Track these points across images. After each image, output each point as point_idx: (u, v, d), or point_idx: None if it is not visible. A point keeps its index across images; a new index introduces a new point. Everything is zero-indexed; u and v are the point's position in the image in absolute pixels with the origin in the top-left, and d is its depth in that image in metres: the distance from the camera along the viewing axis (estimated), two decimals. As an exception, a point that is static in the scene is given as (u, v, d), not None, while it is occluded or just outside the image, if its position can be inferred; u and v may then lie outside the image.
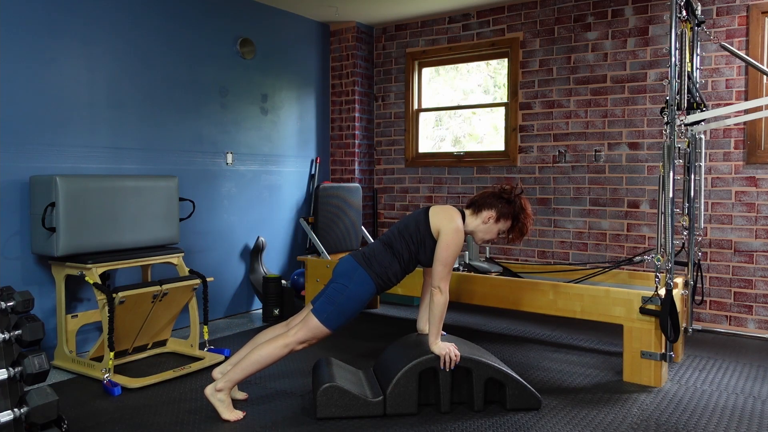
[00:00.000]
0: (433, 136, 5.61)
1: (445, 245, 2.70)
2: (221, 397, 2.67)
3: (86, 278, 3.15)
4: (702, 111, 3.35)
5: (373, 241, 5.20)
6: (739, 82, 4.08)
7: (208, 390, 2.70)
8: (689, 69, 3.35)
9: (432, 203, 5.40)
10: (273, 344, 2.65)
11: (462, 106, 5.40)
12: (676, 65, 3.05)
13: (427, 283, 3.04)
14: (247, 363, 2.65)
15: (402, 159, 5.61)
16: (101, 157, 3.82)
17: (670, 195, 3.00)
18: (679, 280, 3.41)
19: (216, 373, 2.83)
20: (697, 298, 4.06)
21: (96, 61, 3.79)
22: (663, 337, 3.02)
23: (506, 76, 5.08)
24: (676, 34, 3.03)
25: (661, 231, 3.05)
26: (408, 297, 5.06)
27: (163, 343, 3.71)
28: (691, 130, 3.35)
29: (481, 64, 5.32)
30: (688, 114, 3.35)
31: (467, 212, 2.89)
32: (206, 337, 3.61)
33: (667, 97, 3.06)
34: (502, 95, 5.18)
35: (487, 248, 4.31)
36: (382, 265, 2.76)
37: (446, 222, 2.74)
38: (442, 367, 2.69)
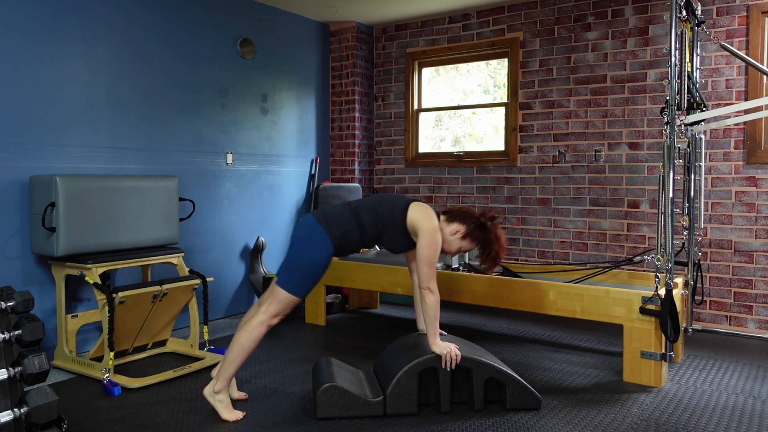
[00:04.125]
0: (433, 136, 5.61)
1: (427, 244, 2.67)
2: (220, 397, 2.67)
3: (86, 278, 3.15)
4: (702, 111, 3.35)
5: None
6: (739, 82, 4.08)
7: (207, 391, 2.70)
8: (689, 69, 3.35)
9: (432, 203, 5.39)
10: (249, 327, 2.65)
11: (462, 106, 5.40)
12: (676, 65, 3.05)
13: (415, 282, 3.03)
14: (233, 354, 2.65)
15: (402, 159, 5.61)
16: (101, 157, 3.82)
17: (670, 195, 3.00)
18: (679, 280, 3.41)
19: (215, 372, 2.83)
20: (697, 298, 4.06)
21: (96, 61, 3.79)
22: (663, 337, 3.02)
23: (506, 76, 5.08)
24: (676, 34, 3.03)
25: (661, 231, 3.05)
26: (408, 297, 5.05)
27: (163, 343, 3.71)
28: (691, 130, 3.35)
29: (481, 64, 5.32)
30: (688, 114, 3.35)
31: (441, 218, 2.85)
32: (206, 337, 3.61)
33: (667, 97, 3.06)
34: (502, 95, 5.18)
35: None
36: (344, 227, 2.70)
37: (425, 221, 2.70)
38: (443, 367, 2.69)
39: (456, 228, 2.81)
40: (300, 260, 2.65)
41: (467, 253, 3.97)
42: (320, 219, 2.71)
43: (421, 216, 2.72)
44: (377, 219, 2.75)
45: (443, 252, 2.84)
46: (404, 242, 2.79)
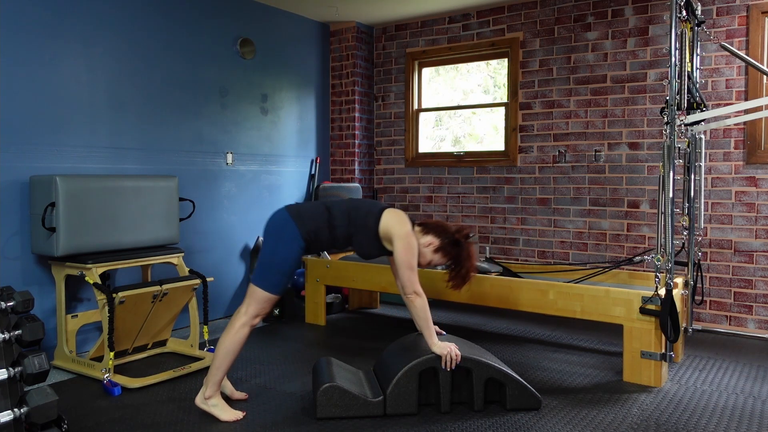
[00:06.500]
0: (433, 136, 5.61)
1: (404, 249, 2.67)
2: (213, 402, 2.67)
3: (86, 278, 3.15)
4: (702, 111, 3.35)
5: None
6: (739, 82, 4.08)
7: (198, 399, 2.71)
8: (689, 69, 3.35)
9: (431, 203, 5.40)
10: (231, 330, 2.66)
11: (462, 106, 5.40)
12: (676, 65, 3.05)
13: (401, 288, 2.91)
14: (219, 359, 2.66)
15: (402, 159, 5.61)
16: (101, 157, 3.82)
17: (670, 195, 3.00)
18: (679, 280, 3.41)
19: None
20: (697, 298, 4.06)
21: (96, 61, 3.79)
22: (663, 337, 3.02)
23: (506, 76, 5.08)
24: (676, 34, 3.03)
25: (661, 231, 3.05)
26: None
27: (163, 343, 3.71)
28: (691, 130, 3.35)
29: (481, 64, 5.32)
30: (688, 114, 3.35)
31: (416, 228, 2.84)
32: (206, 337, 3.61)
33: (667, 97, 3.06)
34: (502, 95, 5.18)
35: (487, 248, 4.31)
36: (315, 224, 2.71)
37: (398, 226, 2.69)
38: (443, 367, 2.69)
39: (430, 240, 2.79)
40: (273, 257, 2.65)
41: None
42: (293, 214, 2.71)
43: (394, 222, 2.71)
44: (349, 222, 2.75)
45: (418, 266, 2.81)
46: (374, 248, 2.77)
